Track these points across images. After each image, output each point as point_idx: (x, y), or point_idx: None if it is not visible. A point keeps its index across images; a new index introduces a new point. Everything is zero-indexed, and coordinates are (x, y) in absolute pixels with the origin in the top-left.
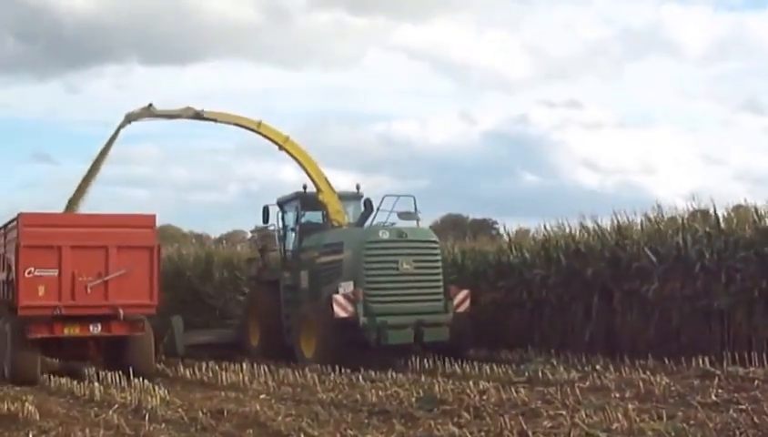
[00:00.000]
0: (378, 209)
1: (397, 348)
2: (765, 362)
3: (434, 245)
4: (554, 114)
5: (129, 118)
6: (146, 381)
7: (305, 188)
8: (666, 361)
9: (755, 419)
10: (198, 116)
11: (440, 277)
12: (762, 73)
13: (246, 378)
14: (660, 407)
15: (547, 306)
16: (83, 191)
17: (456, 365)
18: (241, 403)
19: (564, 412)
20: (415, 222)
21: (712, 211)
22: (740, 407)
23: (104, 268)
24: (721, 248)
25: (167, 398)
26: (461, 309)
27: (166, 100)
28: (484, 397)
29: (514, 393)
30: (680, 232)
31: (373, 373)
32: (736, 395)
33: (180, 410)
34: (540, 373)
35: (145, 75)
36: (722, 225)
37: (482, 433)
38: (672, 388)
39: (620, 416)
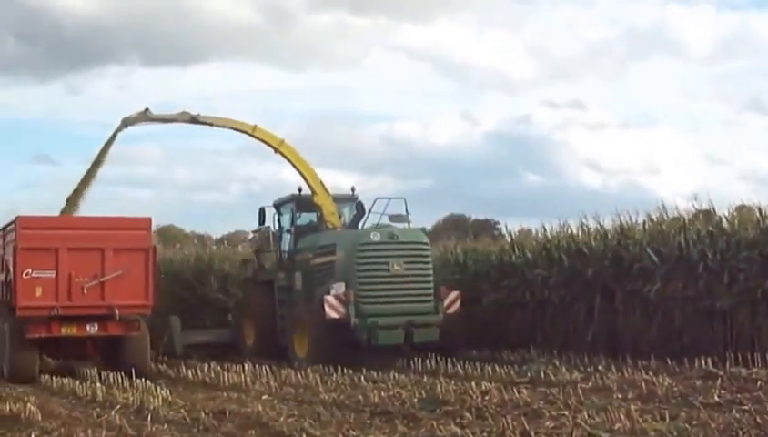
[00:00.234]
0: (369, 212)
1: (388, 348)
2: None
3: (425, 246)
4: (557, 114)
5: (126, 123)
6: (147, 381)
7: (300, 190)
8: (669, 362)
9: (758, 419)
10: (194, 120)
11: (431, 278)
12: (766, 72)
13: (248, 378)
14: (662, 408)
15: (549, 306)
16: (80, 194)
17: (458, 366)
18: (243, 404)
19: (566, 413)
20: (406, 224)
21: (713, 211)
22: (743, 408)
23: (100, 269)
24: (723, 249)
25: (169, 398)
26: (452, 310)
27: (167, 101)
28: (486, 397)
29: (516, 394)
30: (682, 232)
31: (375, 374)
32: (739, 396)
33: (182, 410)
34: (542, 374)
35: (146, 76)
36: (725, 225)
37: (484, 434)
38: (675, 388)
39: (622, 417)
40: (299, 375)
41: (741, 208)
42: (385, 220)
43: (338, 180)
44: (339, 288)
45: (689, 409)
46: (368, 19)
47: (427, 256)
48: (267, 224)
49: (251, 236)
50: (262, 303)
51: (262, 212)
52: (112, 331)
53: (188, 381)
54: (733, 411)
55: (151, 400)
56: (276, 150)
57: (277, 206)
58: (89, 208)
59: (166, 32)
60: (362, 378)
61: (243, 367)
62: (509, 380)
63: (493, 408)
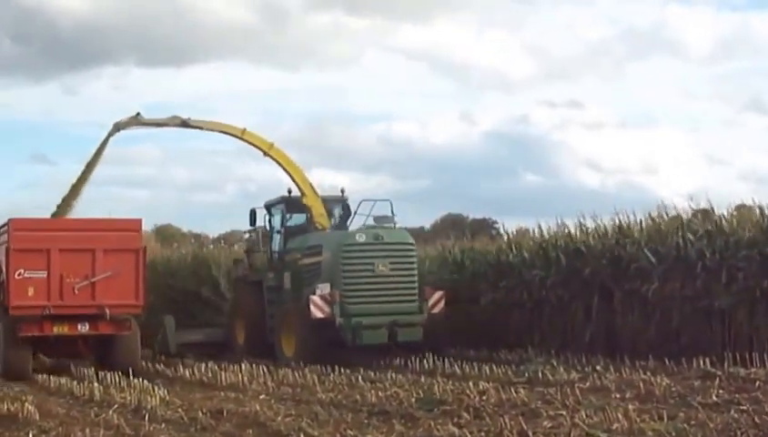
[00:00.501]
0: (354, 213)
1: (373, 347)
2: (767, 363)
3: (410, 247)
4: (555, 114)
5: (118, 127)
6: (145, 381)
7: (290, 192)
8: (667, 362)
9: (756, 419)
10: (185, 124)
11: (416, 278)
12: (766, 73)
13: (245, 378)
14: (660, 407)
15: (547, 306)
16: (73, 197)
17: (456, 366)
18: (241, 403)
19: (564, 413)
20: (392, 225)
21: (711, 211)
22: (741, 408)
23: (91, 270)
24: (722, 248)
25: (167, 398)
26: (436, 309)
27: (164, 102)
28: (484, 397)
29: (514, 394)
30: (680, 231)
31: (373, 374)
32: (737, 396)
33: (180, 410)
34: (539, 374)
35: (142, 76)
36: (724, 224)
37: (482, 434)
38: (673, 388)
39: (620, 417)
40: (297, 375)
41: (740, 208)
42: (371, 222)
43: (335, 180)
44: (325, 288)
45: (687, 409)
46: (366, 20)
47: (412, 256)
48: (258, 225)
49: (247, 236)
50: (252, 303)
51: (253, 213)
52: (103, 331)
53: (186, 381)
54: (732, 412)
55: (149, 399)
56: (265, 154)
57: (268, 207)
58: (87, 208)
59: (163, 32)
60: (359, 378)
61: (240, 367)
62: (506, 380)
63: (491, 408)
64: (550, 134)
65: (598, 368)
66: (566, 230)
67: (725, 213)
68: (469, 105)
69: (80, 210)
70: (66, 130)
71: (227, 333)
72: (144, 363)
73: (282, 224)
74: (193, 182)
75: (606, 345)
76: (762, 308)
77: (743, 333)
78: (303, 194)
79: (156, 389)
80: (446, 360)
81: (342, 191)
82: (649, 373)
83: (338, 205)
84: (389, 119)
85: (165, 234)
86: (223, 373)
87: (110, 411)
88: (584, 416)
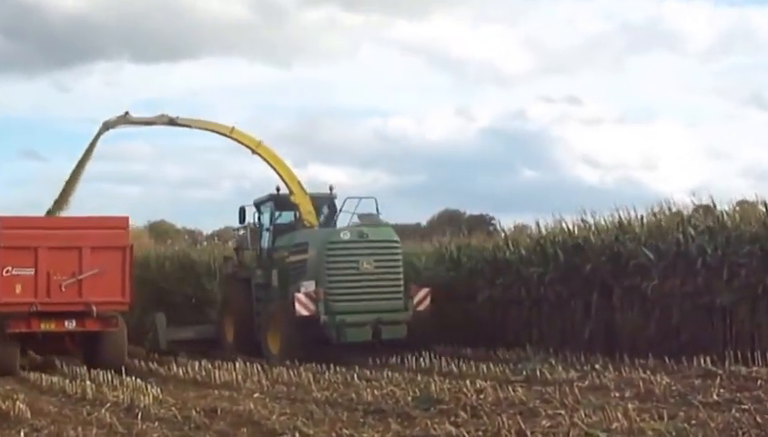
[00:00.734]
0: (339, 211)
1: (356, 345)
2: None
3: (395, 245)
4: (553, 109)
5: (107, 126)
6: (138, 379)
7: (278, 189)
8: (667, 360)
9: (758, 419)
10: (173, 122)
11: (401, 276)
12: (766, 67)
13: (239, 376)
14: (660, 407)
15: (545, 303)
16: (67, 195)
17: (453, 364)
18: (235, 402)
19: (563, 412)
20: (377, 223)
21: (713, 206)
22: (742, 407)
23: (78, 267)
24: (723, 244)
25: (160, 396)
26: (421, 307)
27: (157, 98)
28: (481, 396)
29: (512, 392)
30: (681, 227)
31: (368, 372)
32: (739, 395)
33: (173, 408)
34: (538, 372)
35: (135, 72)
36: (726, 220)
37: (480, 433)
38: (673, 387)
39: (619, 416)
40: (291, 373)
41: (741, 203)
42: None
43: (330, 176)
44: (309, 285)
45: (687, 408)
46: (361, 15)
47: (397, 254)
48: (247, 223)
49: (242, 232)
50: (241, 300)
51: (242, 211)
52: (89, 327)
53: (179, 379)
54: (733, 411)
55: (142, 398)
56: (253, 151)
57: (257, 204)
58: (80, 205)
59: (155, 28)
60: (355, 376)
61: (234, 365)
62: (504, 378)
63: (488, 407)
64: (548, 129)
65: (597, 366)
66: (564, 226)
67: (727, 208)
68: (466, 100)
69: (73, 207)
70: (58, 127)
71: (217, 330)
72: (137, 362)
73: (271, 221)
74: (186, 179)
75: (605, 343)
76: (764, 305)
77: (745, 331)
78: (291, 192)
79: (149, 387)
80: (443, 358)
81: (331, 189)
82: (649, 372)
83: (327, 202)
84: (385, 114)
85: (158, 230)
86: (217, 372)
87: (103, 410)
88: (583, 415)
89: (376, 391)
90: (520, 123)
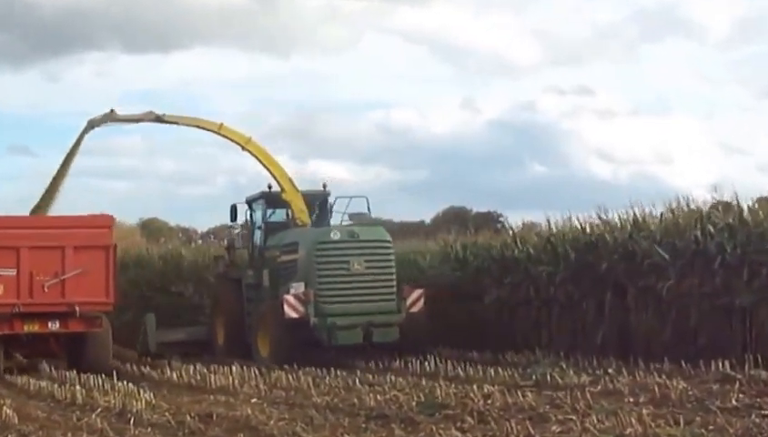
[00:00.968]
0: (332, 209)
1: (348, 347)
2: None
3: (387, 245)
4: (564, 101)
5: (92, 124)
6: (130, 383)
7: (270, 187)
8: (683, 364)
9: None
10: (160, 119)
11: (393, 277)
12: None
13: (236, 381)
14: (676, 412)
15: (555, 304)
16: (52, 194)
17: (459, 368)
18: (231, 407)
19: (574, 418)
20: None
21: (735, 202)
22: (762, 412)
23: (61, 267)
24: (744, 242)
25: (153, 401)
26: (415, 309)
27: (150, 88)
28: (489, 401)
29: (521, 397)
30: (698, 224)
31: (371, 376)
32: (758, 400)
33: (167, 414)
34: (548, 376)
35: (128, 62)
36: (747, 216)
37: None
38: (690, 392)
39: (633, 422)
40: (290, 377)
41: (761, 200)
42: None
43: (330, 171)
44: (299, 287)
45: (705, 414)
46: (362, 1)
47: (388, 254)
48: (243, 221)
49: (237, 230)
50: (232, 300)
51: (234, 209)
52: (73, 328)
53: (173, 384)
54: (753, 416)
55: (134, 403)
56: (243, 148)
57: (249, 202)
58: (68, 202)
59: (148, 16)
60: (357, 380)
61: (231, 369)
62: (512, 382)
63: (496, 412)
64: (559, 122)
65: (610, 370)
66: (576, 223)
67: (748, 205)
68: (472, 91)
69: (60, 205)
70: (49, 119)
71: (209, 332)
72: (129, 365)
73: (263, 220)
74: (180, 174)
75: (619, 346)
76: None
77: (766, 333)
78: (282, 189)
79: (141, 392)
80: (448, 361)
81: (324, 186)
82: (664, 376)
83: (320, 200)
84: (387, 107)
85: (151, 228)
86: (212, 376)
87: (93, 415)
88: (595, 421)
89: (378, 396)
90: (528, 115)
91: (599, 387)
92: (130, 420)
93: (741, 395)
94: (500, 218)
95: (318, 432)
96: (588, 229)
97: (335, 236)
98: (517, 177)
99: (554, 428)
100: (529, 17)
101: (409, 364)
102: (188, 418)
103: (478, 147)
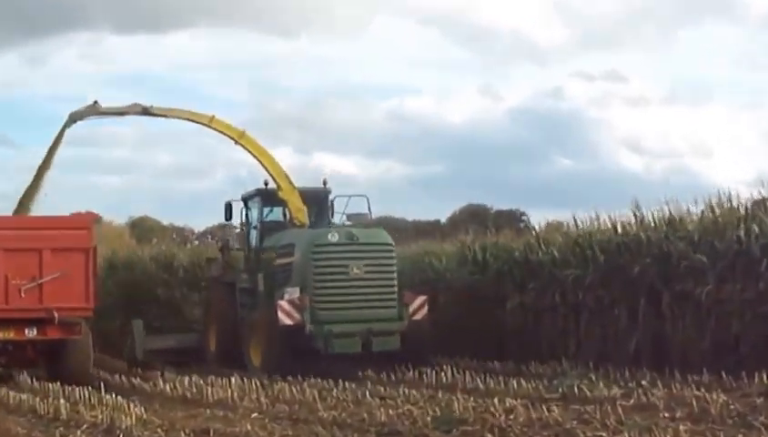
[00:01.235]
0: (332, 211)
1: (347, 356)
2: None
3: (388, 248)
4: (593, 87)
5: (74, 118)
6: (119, 397)
7: (266, 184)
8: (723, 376)
9: None
10: (147, 112)
11: (395, 282)
12: None
13: (235, 394)
14: (716, 428)
15: (584, 311)
16: (33, 193)
17: (478, 379)
18: (230, 423)
19: (604, 434)
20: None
21: None
22: None
23: (38, 271)
24: None
25: (144, 416)
26: (418, 316)
27: (142, 73)
28: (511, 416)
29: (546, 412)
30: (740, 224)
31: (382, 388)
32: None
33: (159, 430)
34: (576, 389)
35: (118, 44)
36: None
37: None
38: (731, 407)
39: None
40: (294, 390)
41: None
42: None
43: (337, 166)
44: (294, 292)
45: (747, 430)
46: None
47: (390, 258)
48: (234, 219)
49: (237, 231)
50: (225, 306)
51: (229, 207)
52: (51, 335)
53: (166, 397)
54: None
55: (123, 418)
56: (236, 142)
57: (245, 200)
58: (51, 199)
59: None
60: (367, 393)
61: (229, 380)
62: (537, 396)
63: (519, 428)
64: (587, 110)
65: (643, 382)
66: (605, 223)
67: None
68: (492, 77)
69: (42, 202)
70: (31, 107)
71: (201, 340)
72: (117, 377)
73: (259, 219)
74: (175, 167)
75: (653, 356)
76: None
77: None
78: (279, 187)
79: (131, 406)
80: (466, 372)
81: (324, 183)
82: (703, 389)
83: (320, 198)
84: (400, 94)
85: (142, 227)
86: (209, 388)
87: (78, 432)
88: None
89: (390, 411)
90: (554, 103)
91: (631, 401)
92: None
93: None
94: (523, 217)
95: None
96: (619, 229)
97: (333, 238)
98: (541, 171)
99: None
100: None
101: (424, 375)
102: (183, 434)
103: (498, 138)
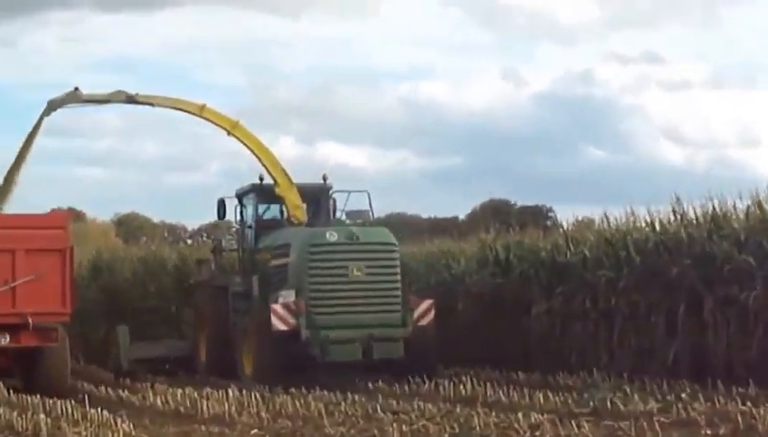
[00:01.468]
0: (334, 208)
1: (345, 365)
2: None
3: (391, 248)
4: (627, 71)
5: (53, 106)
6: (105, 411)
7: (261, 178)
8: None
9: None
10: (132, 100)
11: (398, 285)
12: None
13: (233, 408)
14: None
15: (617, 317)
16: (8, 188)
17: (500, 392)
18: None
19: None
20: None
21: None
22: None
23: (10, 273)
24: None
25: (133, 433)
26: (423, 321)
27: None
28: (537, 433)
29: (575, 428)
30: None
31: (395, 402)
32: None
33: None
34: (608, 403)
35: (101, 24)
36: None
37: None
38: None
39: None
40: (298, 404)
41: None
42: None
43: (344, 156)
44: (289, 295)
45: None
46: None
47: (393, 259)
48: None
49: (236, 228)
50: (216, 311)
51: (222, 204)
52: (26, 342)
53: (157, 411)
54: None
55: (110, 435)
56: (229, 133)
57: (239, 196)
58: (28, 194)
59: None
60: (378, 407)
61: (226, 393)
62: (566, 410)
63: None
64: (621, 96)
65: (683, 396)
66: (641, 220)
67: None
68: (515, 59)
69: (18, 198)
70: (2, 94)
71: (191, 347)
72: (103, 388)
73: (254, 217)
74: (165, 159)
75: (693, 367)
76: None
77: None
78: (275, 182)
79: (118, 422)
80: (488, 384)
81: (324, 178)
82: (749, 403)
83: (320, 195)
84: (414, 79)
85: (129, 225)
86: (205, 401)
87: None
88: None
89: (404, 427)
90: (584, 88)
91: (670, 416)
92: None
93: None
94: (550, 214)
95: None
96: (657, 227)
97: (331, 237)
98: (569, 163)
99: None
100: None
101: (440, 388)
102: None
103: (522, 126)
